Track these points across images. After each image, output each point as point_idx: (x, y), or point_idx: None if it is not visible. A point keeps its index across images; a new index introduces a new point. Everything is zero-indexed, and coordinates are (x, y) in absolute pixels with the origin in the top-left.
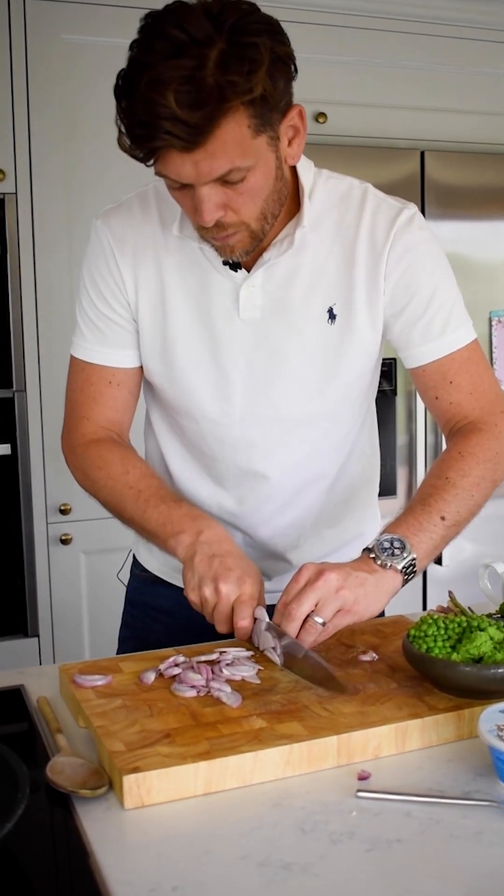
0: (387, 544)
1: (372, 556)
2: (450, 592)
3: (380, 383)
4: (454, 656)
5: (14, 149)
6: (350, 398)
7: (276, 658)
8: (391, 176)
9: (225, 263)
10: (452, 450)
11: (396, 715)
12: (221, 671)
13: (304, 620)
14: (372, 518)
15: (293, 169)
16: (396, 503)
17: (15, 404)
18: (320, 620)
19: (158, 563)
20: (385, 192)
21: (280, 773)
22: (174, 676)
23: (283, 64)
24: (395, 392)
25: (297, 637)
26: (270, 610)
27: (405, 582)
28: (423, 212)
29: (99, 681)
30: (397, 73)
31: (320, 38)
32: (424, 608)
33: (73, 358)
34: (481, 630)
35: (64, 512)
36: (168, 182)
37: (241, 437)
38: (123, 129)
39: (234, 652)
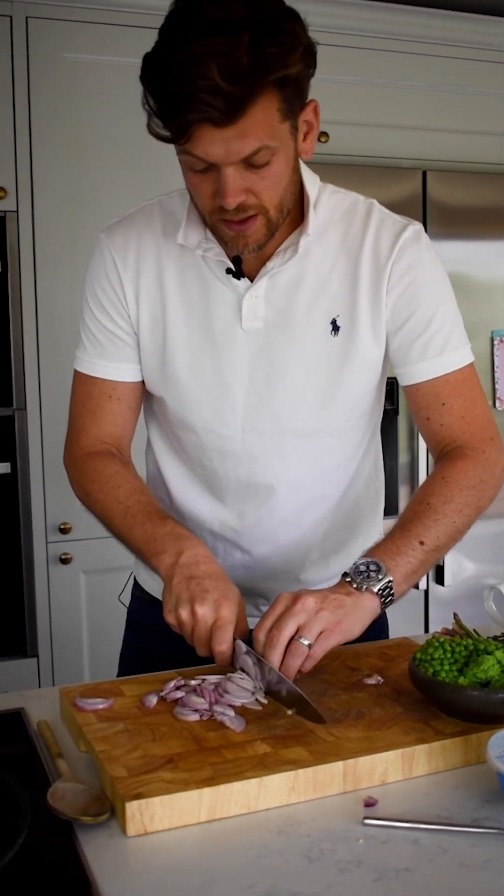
0: (363, 568)
1: (348, 579)
2: (455, 615)
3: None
4: (461, 680)
5: (15, 166)
6: (354, 415)
7: (259, 684)
8: (393, 195)
9: (228, 272)
10: (437, 475)
11: (403, 740)
12: (224, 695)
13: (288, 645)
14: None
15: (299, 180)
16: None
17: (15, 422)
18: (306, 641)
19: (158, 585)
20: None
21: (285, 799)
22: (177, 700)
23: (311, 55)
24: (396, 411)
25: (281, 663)
26: None
27: (383, 605)
28: (424, 231)
29: (100, 704)
30: (400, 92)
31: (323, 57)
32: (427, 628)
33: (75, 371)
34: (488, 653)
35: (64, 531)
36: (191, 163)
37: (242, 450)
38: (153, 109)
39: (239, 676)
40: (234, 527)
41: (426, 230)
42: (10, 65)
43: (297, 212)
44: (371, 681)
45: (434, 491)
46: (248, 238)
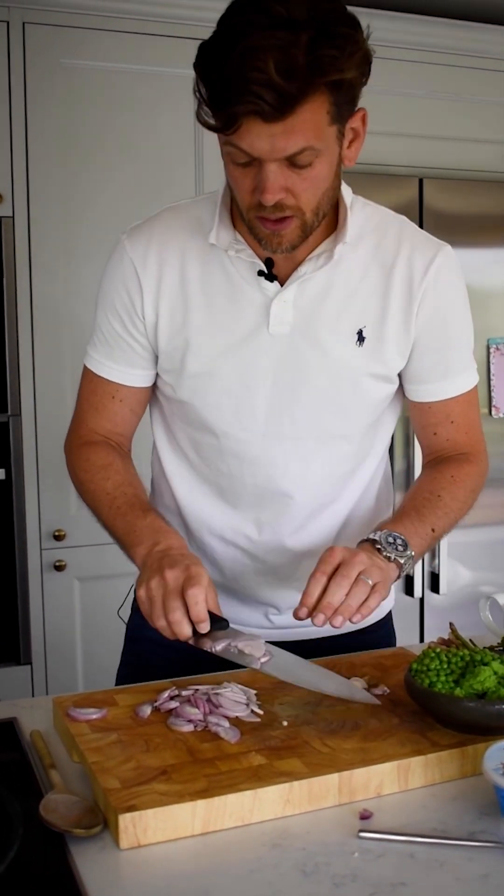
0: (391, 539)
1: (378, 546)
2: (451, 624)
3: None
4: (457, 691)
5: (12, 172)
6: (372, 422)
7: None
8: (390, 203)
9: (260, 274)
10: (445, 472)
11: (399, 752)
12: (218, 707)
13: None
14: None
15: (338, 186)
16: None
17: (10, 429)
18: (371, 581)
19: None
20: None
21: (280, 811)
22: (171, 710)
23: (367, 63)
24: None
25: (347, 596)
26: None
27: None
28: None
29: (93, 714)
30: (396, 100)
31: None
32: (422, 636)
33: (84, 365)
34: (485, 664)
35: (58, 538)
36: (235, 155)
37: (261, 455)
38: (205, 97)
39: (230, 690)
40: (247, 534)
41: None
42: (6, 70)
43: (331, 218)
44: (378, 691)
45: (445, 486)
46: (283, 238)
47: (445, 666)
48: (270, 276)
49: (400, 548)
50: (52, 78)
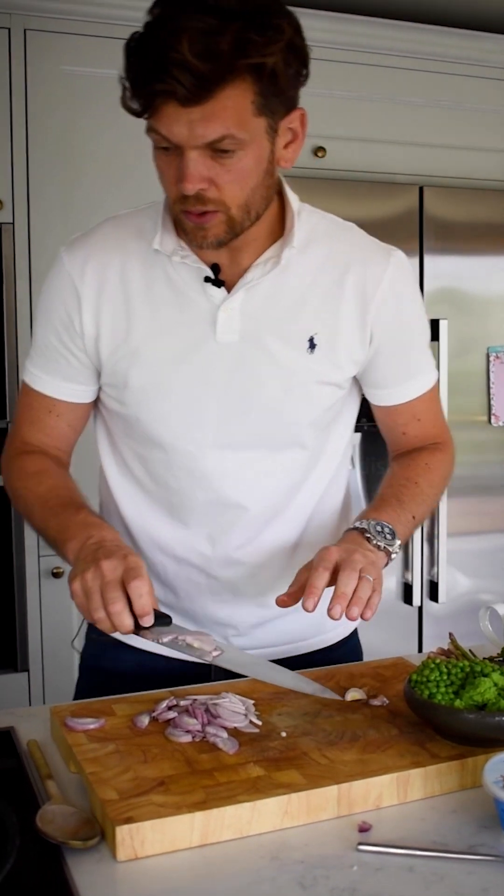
0: (379, 528)
1: (367, 535)
2: (450, 634)
3: (375, 419)
4: (457, 703)
5: (12, 178)
6: (325, 430)
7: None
8: (390, 211)
9: (206, 280)
10: (419, 460)
11: (398, 764)
12: (216, 718)
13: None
14: None
15: (280, 192)
16: None
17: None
18: (371, 578)
19: None
20: (384, 227)
21: (278, 823)
22: (169, 720)
23: (298, 57)
24: None
25: (355, 592)
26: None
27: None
28: (421, 247)
29: (91, 724)
30: (397, 108)
31: (320, 72)
32: (420, 646)
33: (22, 378)
34: (485, 676)
35: None
36: (156, 141)
37: (212, 467)
38: (127, 82)
39: (229, 700)
40: (200, 550)
41: (422, 246)
42: (7, 77)
43: (278, 224)
44: (377, 702)
45: (421, 474)
46: (207, 232)
47: (445, 677)
48: (217, 282)
49: (388, 536)
50: (53, 85)
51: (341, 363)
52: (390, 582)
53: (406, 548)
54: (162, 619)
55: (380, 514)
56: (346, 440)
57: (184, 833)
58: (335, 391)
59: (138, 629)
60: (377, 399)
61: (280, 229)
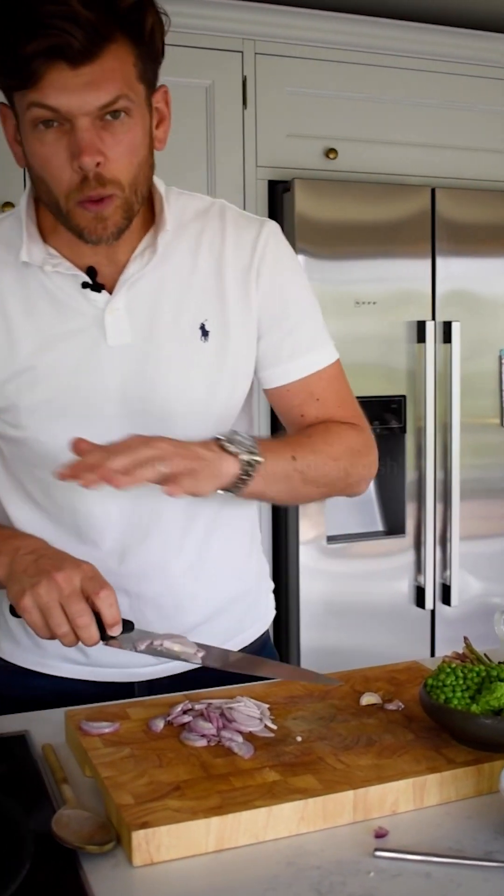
0: (239, 437)
1: (219, 437)
2: (465, 639)
3: (388, 420)
4: (473, 708)
5: (24, 182)
6: (234, 420)
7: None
8: (401, 212)
9: (84, 286)
10: (321, 424)
11: (414, 769)
12: (231, 723)
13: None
14: (258, 572)
15: (152, 167)
16: (405, 541)
17: None
18: (164, 468)
19: (25, 653)
20: (395, 229)
21: (294, 829)
22: (184, 724)
23: (161, 32)
24: (403, 429)
25: (131, 470)
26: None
27: (237, 483)
28: (433, 248)
29: (106, 728)
30: (408, 109)
31: (331, 74)
32: (433, 649)
33: None
34: (501, 680)
35: None
36: (37, 117)
37: None
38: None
39: (243, 704)
40: (115, 570)
41: (434, 247)
42: None
43: (149, 212)
44: (392, 706)
45: (317, 431)
46: (108, 221)
47: (461, 682)
48: (96, 286)
49: (246, 444)
50: None
51: (238, 346)
52: (402, 585)
53: (419, 550)
54: (127, 625)
55: (255, 439)
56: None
57: (200, 838)
58: (239, 380)
59: (103, 639)
60: (268, 381)
61: (151, 218)
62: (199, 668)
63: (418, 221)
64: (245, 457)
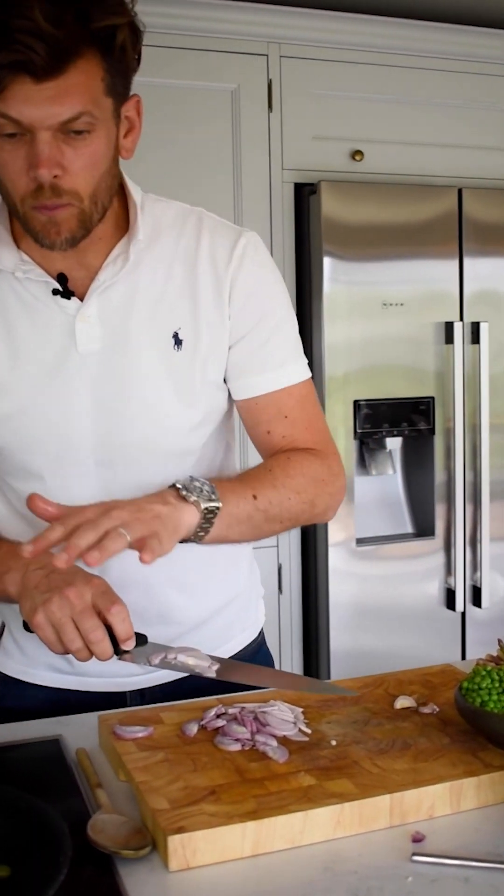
0: (198, 484)
1: (178, 485)
2: (500, 641)
3: (417, 422)
4: None
5: None
6: (209, 432)
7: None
8: (428, 213)
9: (55, 293)
10: (282, 455)
11: (451, 773)
12: (265, 726)
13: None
14: (247, 580)
15: (121, 185)
16: (435, 543)
17: None
18: (130, 536)
19: (18, 664)
20: (423, 230)
21: (330, 833)
22: (217, 728)
23: (139, 41)
24: (433, 431)
25: (99, 545)
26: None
27: (198, 532)
28: (460, 249)
29: (140, 732)
30: (435, 110)
31: (356, 76)
32: (464, 651)
33: None
34: None
35: None
36: (4, 127)
37: (97, 486)
38: None
39: (277, 708)
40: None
41: (462, 248)
42: None
43: (122, 219)
44: (427, 709)
45: (278, 464)
46: (61, 226)
47: (497, 685)
48: (66, 293)
49: (205, 491)
50: None
51: (211, 357)
52: (432, 587)
53: (448, 552)
54: (140, 638)
55: (213, 481)
56: (226, 444)
57: (236, 843)
58: (212, 389)
59: (117, 653)
60: (237, 392)
61: (125, 225)
62: (188, 678)
63: (445, 222)
64: (205, 504)
